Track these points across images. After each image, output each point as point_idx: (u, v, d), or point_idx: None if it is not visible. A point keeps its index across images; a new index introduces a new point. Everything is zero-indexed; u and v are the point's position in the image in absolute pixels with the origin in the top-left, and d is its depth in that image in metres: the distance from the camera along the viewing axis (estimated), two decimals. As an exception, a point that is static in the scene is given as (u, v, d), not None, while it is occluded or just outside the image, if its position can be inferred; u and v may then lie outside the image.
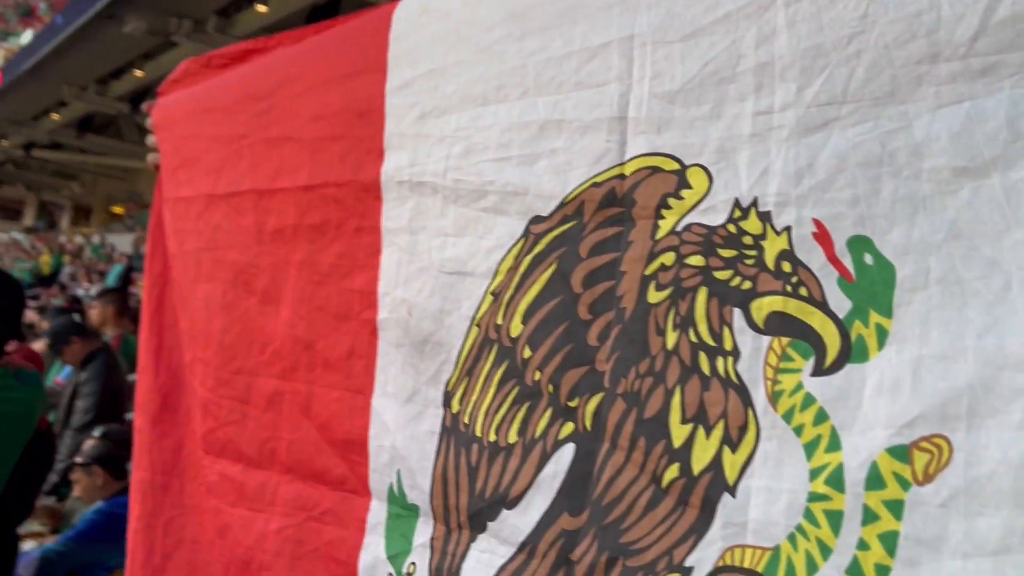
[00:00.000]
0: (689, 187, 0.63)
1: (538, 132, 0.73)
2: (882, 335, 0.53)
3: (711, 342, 0.61)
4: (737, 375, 0.60)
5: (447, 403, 0.86)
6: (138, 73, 16.54)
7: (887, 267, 0.54)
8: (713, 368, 0.61)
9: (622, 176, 0.67)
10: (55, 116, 20.77)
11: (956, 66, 0.51)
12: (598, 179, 0.69)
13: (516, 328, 0.76)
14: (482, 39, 0.80)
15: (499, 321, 0.77)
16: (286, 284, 1.05)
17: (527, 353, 0.75)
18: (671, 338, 0.63)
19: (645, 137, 0.66)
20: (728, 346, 0.60)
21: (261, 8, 12.75)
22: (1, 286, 2.56)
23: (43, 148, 24.35)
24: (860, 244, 0.55)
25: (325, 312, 0.99)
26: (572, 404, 0.70)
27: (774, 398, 0.57)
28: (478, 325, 0.80)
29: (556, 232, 0.74)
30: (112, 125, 22.80)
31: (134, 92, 17.79)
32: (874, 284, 0.54)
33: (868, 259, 0.55)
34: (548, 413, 0.72)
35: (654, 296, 0.64)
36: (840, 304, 0.55)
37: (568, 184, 0.71)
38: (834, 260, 0.56)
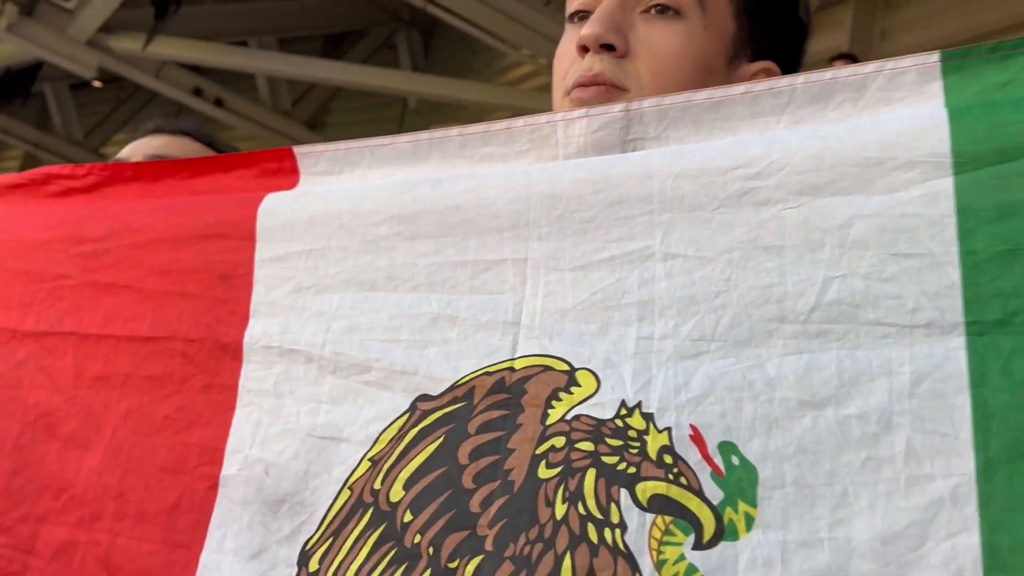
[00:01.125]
0: (578, 385, 0.73)
1: (430, 322, 0.80)
2: (749, 521, 0.67)
3: (599, 515, 0.71)
4: (624, 544, 0.70)
5: (303, 562, 0.87)
6: None
7: (751, 468, 0.68)
8: (601, 538, 0.71)
9: (512, 369, 0.76)
10: None
11: (798, 327, 0.69)
12: (489, 369, 0.78)
13: (397, 493, 0.81)
14: (369, 232, 0.86)
15: (377, 486, 0.82)
16: (102, 431, 1.00)
17: (408, 517, 0.80)
18: (560, 509, 0.72)
19: (537, 341, 0.76)
20: (615, 519, 0.71)
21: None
22: None
23: None
24: (728, 448, 0.69)
25: (148, 464, 0.95)
26: (452, 566, 0.76)
27: (659, 566, 0.68)
28: (350, 488, 0.84)
29: (444, 411, 0.81)
30: None
31: None
32: (741, 480, 0.68)
33: (735, 460, 0.69)
34: (427, 574, 0.78)
35: (544, 472, 0.74)
36: (714, 493, 0.68)
37: (459, 371, 0.79)
38: (707, 458, 0.70)
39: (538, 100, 9.20)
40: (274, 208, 0.94)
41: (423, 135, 0.94)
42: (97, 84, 13.97)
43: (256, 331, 0.91)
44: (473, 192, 0.83)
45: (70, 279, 1.05)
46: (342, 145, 0.98)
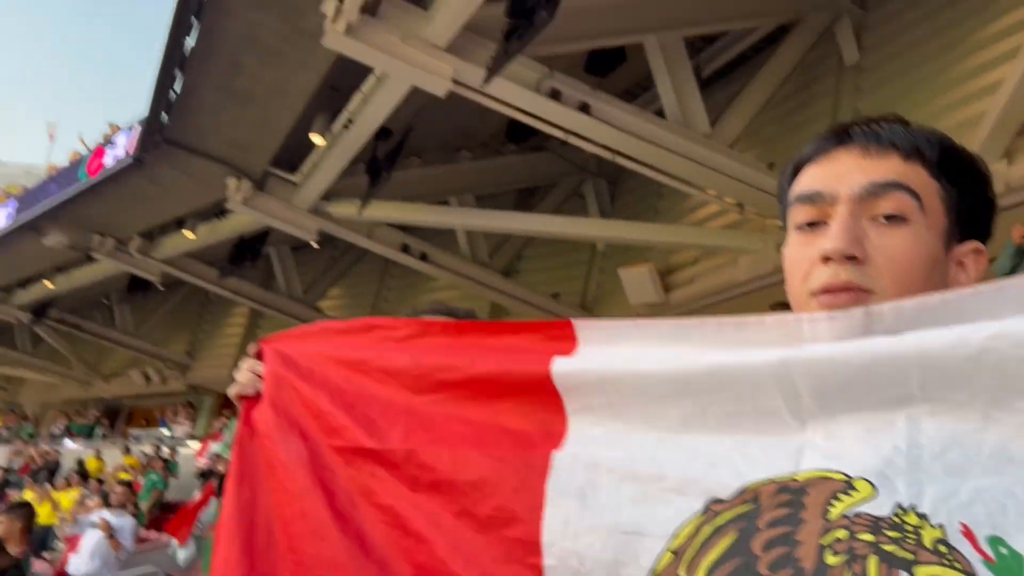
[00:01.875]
0: (856, 490, 0.88)
1: (723, 454, 1.00)
2: (1021, 601, 0.79)
3: (885, 593, 0.86)
4: None
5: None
6: (47, 284, 16.40)
7: (1019, 556, 0.81)
8: (889, 610, 0.85)
9: (795, 479, 0.93)
10: (-54, 321, 20.03)
11: None
12: (774, 478, 0.95)
13: (701, 577, 0.98)
14: (656, 388, 1.02)
15: (681, 574, 0.99)
16: (441, 527, 1.23)
17: (713, 599, 0.96)
18: (850, 589, 0.87)
19: (816, 461, 0.93)
20: (898, 596, 0.85)
21: (189, 235, 13.08)
22: None
23: (-76, 352, 23.16)
24: (995, 541, 0.81)
25: (485, 555, 1.17)
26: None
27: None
28: (657, 574, 1.01)
29: (736, 511, 0.97)
30: (5, 333, 22.03)
31: (38, 302, 17.52)
32: (1010, 566, 0.80)
33: (1003, 550, 0.81)
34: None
35: (831, 559, 0.88)
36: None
37: (747, 481, 0.97)
38: (978, 548, 0.82)
39: (728, 238, 9.35)
40: (567, 371, 1.14)
41: (684, 322, 1.10)
42: (315, 245, 15.48)
43: (565, 452, 1.12)
44: (740, 359, 0.99)
45: (411, 417, 1.31)
46: (614, 323, 1.17)
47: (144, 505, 12.26)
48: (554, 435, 1.14)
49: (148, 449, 14.77)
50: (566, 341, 1.21)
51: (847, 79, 8.82)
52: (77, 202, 12.67)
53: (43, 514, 11.80)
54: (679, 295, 10.19)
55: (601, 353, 1.18)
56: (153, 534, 12.15)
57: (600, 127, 7.63)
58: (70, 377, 22.84)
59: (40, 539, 11.60)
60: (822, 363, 0.94)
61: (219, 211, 12.58)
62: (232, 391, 1.51)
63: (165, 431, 17.85)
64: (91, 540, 8.24)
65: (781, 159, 8.73)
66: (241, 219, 12.54)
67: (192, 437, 16.66)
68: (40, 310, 17.66)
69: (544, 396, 1.17)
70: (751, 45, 9.68)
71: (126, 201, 12.49)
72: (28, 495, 12.81)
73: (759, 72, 8.64)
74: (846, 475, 0.93)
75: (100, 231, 13.74)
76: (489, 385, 1.24)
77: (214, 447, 13.38)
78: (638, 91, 10.36)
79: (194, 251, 14.00)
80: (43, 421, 23.55)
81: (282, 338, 1.51)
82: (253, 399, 1.48)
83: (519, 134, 11.20)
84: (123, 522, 8.57)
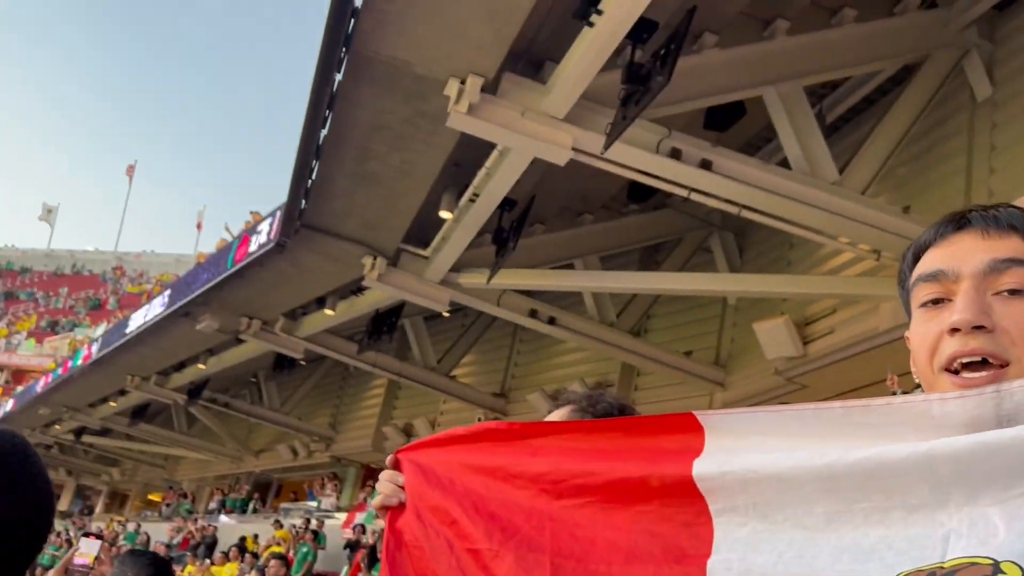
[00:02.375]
0: (1004, 573, 0.88)
1: (869, 548, 0.98)
2: None
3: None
4: None
5: None
6: (200, 366, 17.40)
7: None
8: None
9: (942, 567, 0.92)
10: (112, 403, 21.49)
11: None
12: (921, 568, 0.93)
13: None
14: (799, 490, 1.05)
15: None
16: None
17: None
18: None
19: (963, 550, 0.93)
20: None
21: (329, 312, 13.67)
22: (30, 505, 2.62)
23: (92, 434, 24.87)
24: None
25: None
26: None
27: None
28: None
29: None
30: (162, 413, 23.44)
31: (192, 384, 18.59)
32: None
33: None
34: None
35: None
36: None
37: (895, 573, 0.96)
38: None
39: (866, 286, 9.02)
40: (707, 473, 1.15)
41: (806, 408, 1.12)
42: (446, 314, 15.87)
43: (717, 559, 1.14)
44: (883, 453, 1.00)
45: (553, 524, 1.34)
46: (736, 413, 1.18)
47: (296, 577, 12.64)
48: (702, 539, 1.16)
49: (298, 522, 15.26)
50: (693, 433, 1.21)
51: (981, 115, 8.48)
52: (225, 288, 13.45)
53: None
54: (818, 347, 9.85)
55: (734, 447, 1.17)
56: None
57: (723, 182, 7.59)
58: (223, 454, 23.99)
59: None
60: (970, 454, 0.95)
61: (356, 288, 13.12)
62: (375, 503, 1.57)
63: (312, 503, 18.42)
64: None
65: (917, 201, 8.41)
66: (376, 294, 13.03)
67: (339, 509, 17.12)
68: (194, 391, 18.71)
69: (686, 498, 1.18)
70: (876, 87, 9.45)
71: (270, 284, 13.17)
72: (189, 571, 13.46)
73: (886, 114, 8.40)
74: (993, 559, 0.92)
75: (247, 314, 14.52)
76: (631, 488, 1.27)
77: (359, 518, 13.72)
78: (760, 142, 10.25)
79: (334, 327, 14.60)
80: (199, 497, 24.73)
81: (416, 448, 1.56)
82: (397, 509, 1.52)
83: (641, 193, 11.24)
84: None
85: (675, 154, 7.40)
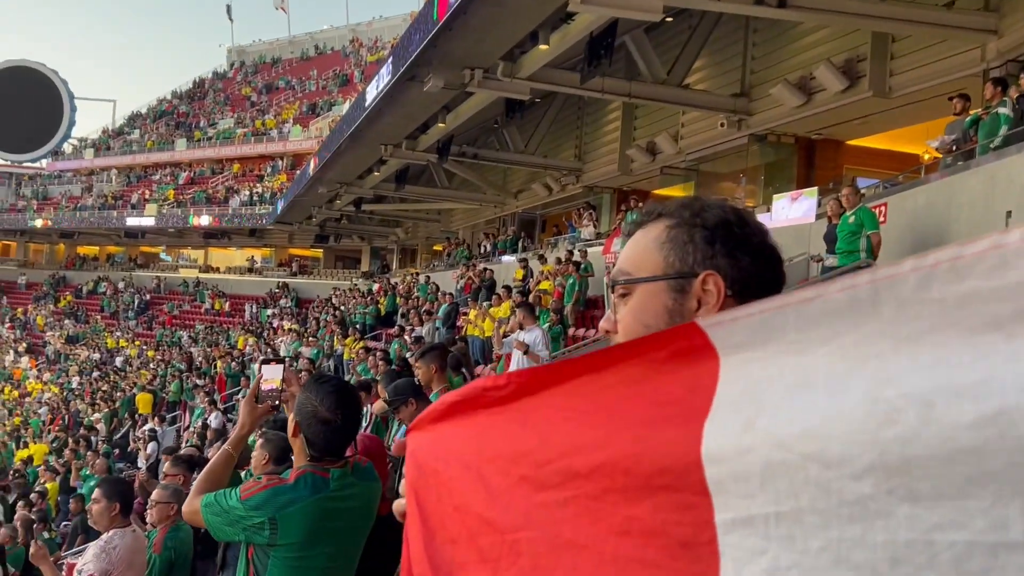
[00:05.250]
0: None
1: None
2: None
3: None
4: None
5: None
6: (440, 125, 17.86)
7: None
8: None
9: None
10: (376, 173, 23.00)
11: None
12: None
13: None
14: (847, 489, 0.61)
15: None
16: None
17: None
18: None
19: None
20: None
21: (543, 47, 13.21)
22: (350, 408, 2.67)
23: (369, 202, 27.06)
24: None
25: None
26: None
27: None
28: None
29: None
30: (423, 174, 24.79)
31: (438, 142, 19.25)
32: None
33: None
34: None
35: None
36: None
37: None
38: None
39: None
40: (719, 452, 0.75)
41: (861, 278, 0.68)
42: (669, 19, 14.74)
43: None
44: (995, 420, 0.57)
45: (530, 532, 0.97)
46: (755, 307, 0.75)
47: (568, 307, 13.27)
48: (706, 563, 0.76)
49: (562, 255, 15.82)
50: (701, 355, 0.79)
51: None
52: (438, 44, 13.34)
53: (487, 328, 13.36)
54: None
55: (758, 389, 0.74)
56: (580, 331, 13.19)
57: None
58: (485, 200, 25.23)
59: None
60: None
61: (564, 16, 12.46)
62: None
63: (573, 234, 18.97)
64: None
65: None
66: (586, 18, 12.33)
67: (598, 236, 17.51)
68: (443, 149, 19.41)
69: (688, 495, 0.78)
70: None
71: (479, 30, 12.91)
72: (473, 314, 14.60)
73: None
74: None
75: (467, 65, 14.43)
76: (621, 474, 0.85)
77: (616, 244, 13.92)
78: None
79: (554, 61, 14.14)
80: (473, 243, 26.47)
81: (415, 431, 1.24)
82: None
83: None
84: (533, 336, 9.42)
85: None
